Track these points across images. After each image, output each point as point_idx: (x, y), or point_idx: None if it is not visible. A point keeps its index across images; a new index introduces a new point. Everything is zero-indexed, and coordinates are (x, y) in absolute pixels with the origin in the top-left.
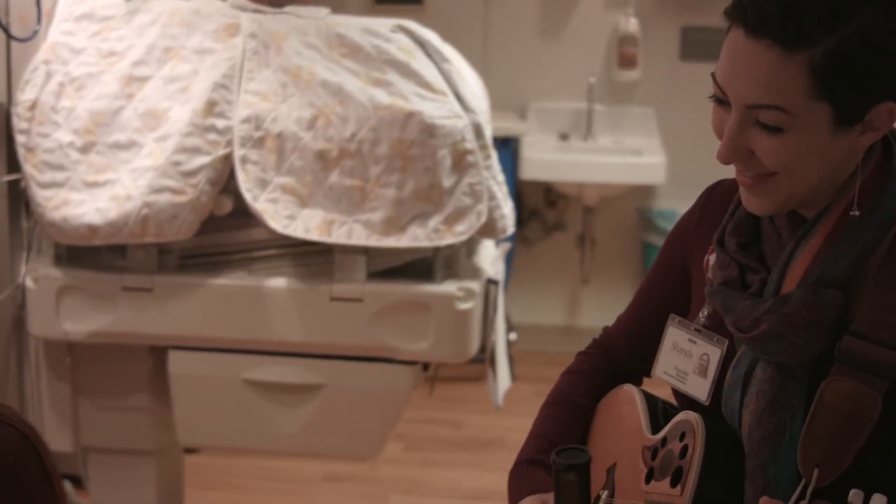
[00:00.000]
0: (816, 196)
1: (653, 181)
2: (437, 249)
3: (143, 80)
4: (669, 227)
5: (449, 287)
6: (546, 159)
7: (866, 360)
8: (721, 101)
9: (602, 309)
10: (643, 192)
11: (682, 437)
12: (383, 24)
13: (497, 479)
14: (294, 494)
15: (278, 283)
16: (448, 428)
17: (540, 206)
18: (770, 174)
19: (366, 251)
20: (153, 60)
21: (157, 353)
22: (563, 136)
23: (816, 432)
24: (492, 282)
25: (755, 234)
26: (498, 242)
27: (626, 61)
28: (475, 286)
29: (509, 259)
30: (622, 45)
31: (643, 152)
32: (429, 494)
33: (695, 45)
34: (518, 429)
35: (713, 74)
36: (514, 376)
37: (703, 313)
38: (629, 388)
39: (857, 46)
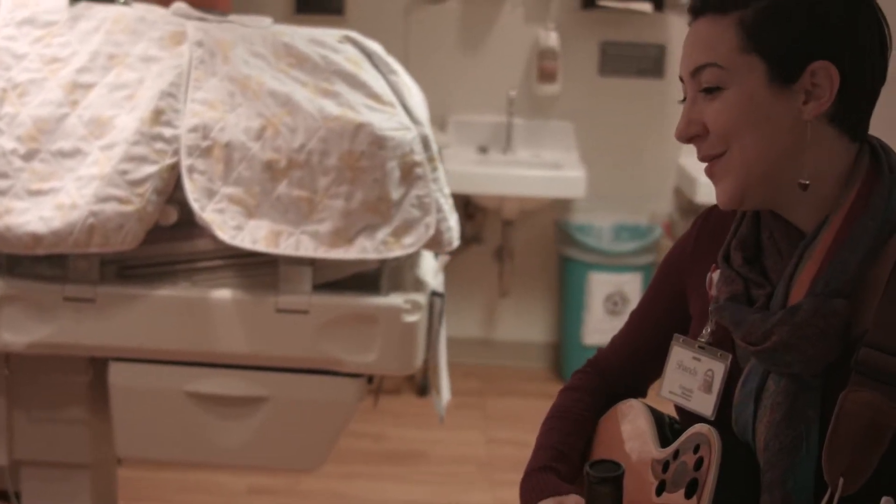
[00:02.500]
0: (807, 203)
1: (572, 195)
2: (383, 262)
3: (88, 87)
4: (587, 240)
5: (395, 299)
6: (465, 172)
7: (884, 370)
8: (685, 99)
9: (520, 321)
10: (561, 206)
11: (697, 449)
12: (330, 34)
13: (421, 491)
14: None
15: (223, 294)
16: (368, 440)
17: (459, 219)
18: (722, 153)
19: (312, 262)
20: (98, 67)
21: (97, 365)
22: (483, 150)
23: (839, 442)
24: (436, 294)
25: (757, 249)
26: (437, 255)
27: (546, 75)
28: (421, 299)
29: None
30: (542, 59)
31: (562, 166)
32: None
33: (613, 61)
34: (439, 441)
35: (679, 78)
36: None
37: (707, 331)
38: (635, 402)
39: (785, 5)
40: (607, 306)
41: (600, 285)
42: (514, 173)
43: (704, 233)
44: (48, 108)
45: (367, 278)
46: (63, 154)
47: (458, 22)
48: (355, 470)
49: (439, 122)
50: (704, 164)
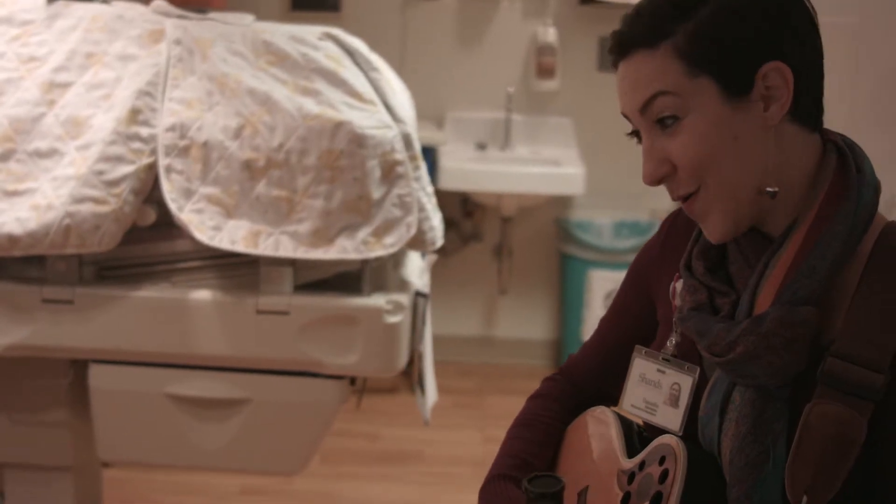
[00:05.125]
0: (776, 211)
1: (571, 191)
2: (365, 262)
3: (65, 86)
4: (587, 237)
5: (377, 300)
6: (463, 169)
7: (850, 382)
8: (636, 132)
9: (519, 319)
10: (561, 203)
11: (662, 461)
12: (310, 31)
13: (414, 492)
14: None
15: (202, 295)
16: (364, 440)
17: (457, 217)
18: (697, 190)
19: (292, 263)
20: (75, 66)
21: (78, 367)
22: (481, 146)
23: (803, 458)
24: (420, 294)
25: (721, 257)
26: (424, 254)
27: (545, 71)
28: (403, 299)
29: None
30: (541, 54)
31: (561, 162)
32: None
33: None
34: (435, 441)
35: (623, 114)
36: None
37: (672, 342)
38: (603, 410)
39: (713, 21)
40: (607, 303)
41: (600, 282)
42: (512, 170)
43: (671, 238)
44: (24, 108)
45: (349, 279)
46: (39, 154)
47: (455, 18)
48: (348, 470)
49: (437, 119)
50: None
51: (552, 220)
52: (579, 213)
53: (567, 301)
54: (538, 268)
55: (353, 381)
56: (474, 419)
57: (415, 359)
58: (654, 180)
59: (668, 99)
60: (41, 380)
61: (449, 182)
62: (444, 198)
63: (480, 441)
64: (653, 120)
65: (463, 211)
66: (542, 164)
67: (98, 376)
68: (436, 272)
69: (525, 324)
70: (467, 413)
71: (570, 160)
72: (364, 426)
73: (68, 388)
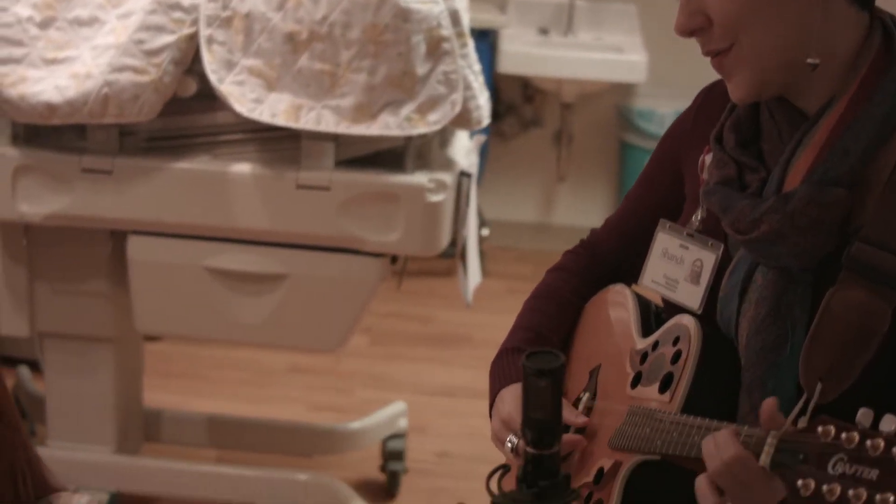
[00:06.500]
0: (813, 86)
1: (633, 79)
2: (408, 139)
3: None
4: (649, 126)
5: (420, 178)
6: (525, 53)
7: (878, 268)
8: None
9: (577, 207)
10: (623, 90)
11: (676, 341)
12: None
13: (464, 376)
14: (256, 385)
15: (243, 168)
16: (415, 323)
17: (517, 102)
18: (730, 46)
19: (335, 138)
20: None
21: (117, 238)
22: (543, 31)
23: (821, 343)
24: (465, 174)
25: (754, 132)
26: (472, 134)
27: None
28: (447, 178)
29: (484, 154)
30: None
31: (624, 50)
32: (393, 389)
33: None
34: (487, 325)
35: None
36: (485, 273)
37: (697, 217)
38: (621, 288)
39: None
40: None
41: None
42: (574, 56)
43: (704, 109)
44: None
45: (392, 156)
46: (79, 22)
47: None
48: (398, 352)
49: (499, 2)
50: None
51: (613, 107)
52: (641, 102)
53: (625, 190)
54: (597, 156)
55: (394, 259)
56: None
57: (458, 239)
58: (685, 31)
59: None
60: (81, 250)
61: (509, 66)
62: (504, 82)
63: None
64: None
65: (523, 96)
66: (605, 51)
67: (137, 248)
68: (494, 157)
69: (582, 212)
70: (520, 299)
71: (634, 47)
72: (415, 309)
73: (108, 258)
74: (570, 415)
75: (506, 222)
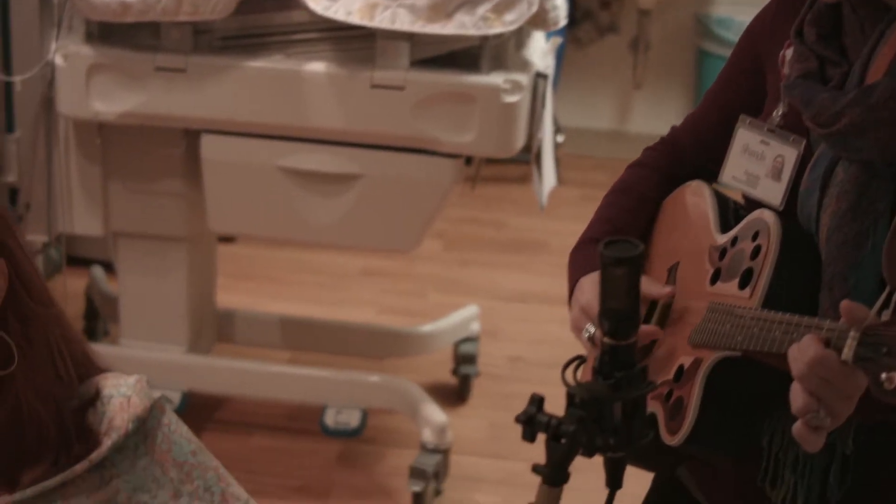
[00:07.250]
0: None
1: None
2: (484, 39)
3: None
4: (727, 34)
5: (495, 79)
6: None
7: None
8: None
9: (653, 115)
10: None
11: (756, 236)
12: None
13: (537, 282)
14: (330, 287)
15: (317, 67)
16: (490, 228)
17: (594, 7)
18: None
19: (409, 37)
20: None
21: (191, 137)
22: None
23: None
24: (541, 75)
25: (836, 26)
26: (548, 36)
27: None
28: (523, 79)
29: (560, 60)
30: None
31: None
32: (466, 293)
33: None
34: (562, 232)
35: None
36: (560, 180)
37: (778, 112)
38: (699, 185)
39: None
40: None
41: None
42: None
43: (785, 4)
44: None
45: (468, 56)
46: None
47: None
48: (472, 257)
49: None
50: None
51: (692, 14)
52: (720, 9)
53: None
54: (675, 63)
55: (468, 161)
56: None
57: (533, 142)
58: None
59: None
60: (155, 149)
61: None
62: None
63: None
64: None
65: (599, 2)
66: None
67: (210, 147)
68: (569, 64)
69: (658, 119)
70: (595, 206)
71: None
72: (491, 214)
73: (181, 158)
74: (654, 288)
75: (581, 129)
